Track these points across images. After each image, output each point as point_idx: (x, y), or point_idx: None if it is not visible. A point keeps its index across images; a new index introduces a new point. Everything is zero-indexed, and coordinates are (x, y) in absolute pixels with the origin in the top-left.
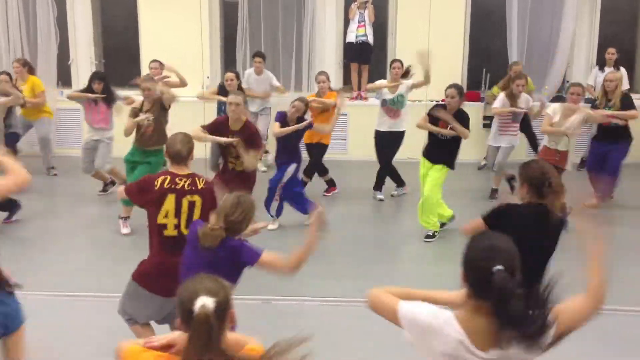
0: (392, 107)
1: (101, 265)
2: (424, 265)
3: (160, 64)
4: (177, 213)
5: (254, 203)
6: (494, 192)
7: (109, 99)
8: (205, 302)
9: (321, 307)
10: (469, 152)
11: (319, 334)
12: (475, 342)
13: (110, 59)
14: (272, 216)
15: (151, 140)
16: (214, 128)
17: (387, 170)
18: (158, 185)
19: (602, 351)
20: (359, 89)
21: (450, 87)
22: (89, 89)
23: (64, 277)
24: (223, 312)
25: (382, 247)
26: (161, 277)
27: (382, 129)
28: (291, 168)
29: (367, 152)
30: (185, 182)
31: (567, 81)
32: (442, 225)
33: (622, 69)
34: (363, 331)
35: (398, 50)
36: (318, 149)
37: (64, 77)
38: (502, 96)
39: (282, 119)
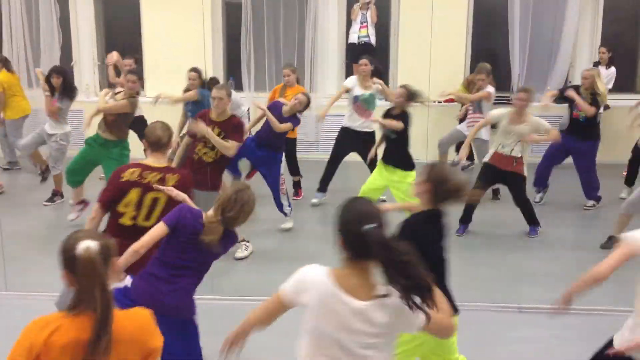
0: (363, 105)
1: None
2: None
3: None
4: (138, 206)
5: (253, 197)
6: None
7: (66, 95)
8: (89, 245)
9: None
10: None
11: None
12: (348, 293)
13: None
14: (286, 214)
15: (112, 126)
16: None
17: (333, 170)
18: (125, 177)
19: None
20: None
21: (402, 86)
22: (48, 82)
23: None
24: (107, 257)
25: None
26: None
27: (350, 125)
28: (281, 157)
29: None
30: (154, 177)
31: (570, 81)
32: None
33: (613, 68)
34: None
35: (400, 51)
36: (290, 145)
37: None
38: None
39: (278, 109)
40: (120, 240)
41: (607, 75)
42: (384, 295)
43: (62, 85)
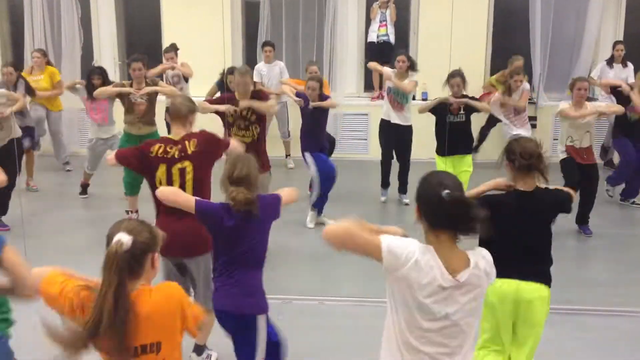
0: (396, 98)
1: None
2: None
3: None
4: (169, 182)
5: (251, 157)
6: None
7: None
8: (121, 238)
9: (341, 307)
10: (491, 150)
11: (339, 333)
12: (449, 270)
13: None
14: (320, 214)
15: (143, 120)
16: (219, 102)
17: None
18: (154, 153)
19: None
20: (380, 88)
21: (454, 75)
22: (89, 85)
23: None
24: (141, 253)
25: None
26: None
27: (387, 119)
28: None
29: None
30: (175, 149)
31: None
32: None
33: (630, 65)
34: (381, 331)
35: (420, 50)
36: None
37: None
38: (496, 95)
39: (302, 95)
40: (167, 218)
41: (626, 73)
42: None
43: (103, 85)
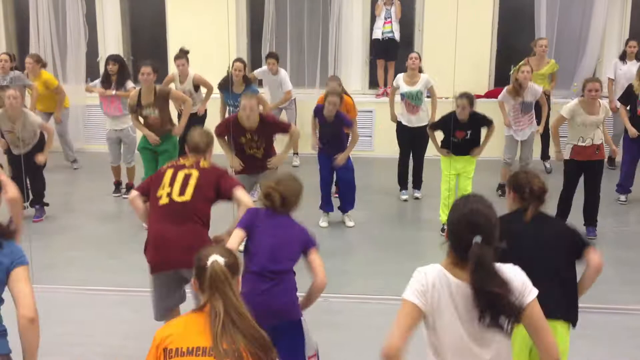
0: (410, 102)
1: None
2: None
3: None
4: (171, 183)
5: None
6: (501, 187)
7: (120, 82)
8: (217, 259)
9: (347, 304)
10: (495, 149)
11: (345, 330)
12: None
13: (139, 56)
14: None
15: (160, 130)
16: (226, 130)
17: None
18: (165, 167)
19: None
20: (385, 85)
21: (461, 96)
22: (105, 73)
23: (90, 271)
24: (233, 272)
25: (409, 244)
26: (160, 247)
27: (405, 123)
28: None
29: (393, 149)
30: (187, 161)
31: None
32: None
33: None
34: (389, 328)
35: (425, 47)
36: None
37: (92, 75)
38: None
39: (319, 113)
40: (163, 224)
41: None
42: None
43: (119, 71)
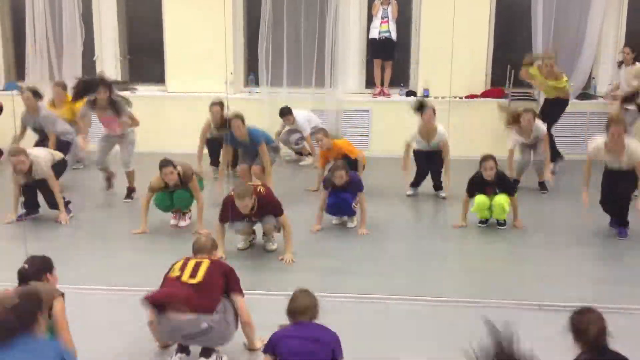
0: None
1: (140, 260)
2: (449, 262)
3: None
4: (182, 268)
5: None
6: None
7: (116, 110)
8: None
9: (342, 303)
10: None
11: (340, 330)
12: None
13: (135, 55)
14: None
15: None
16: (229, 217)
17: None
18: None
19: None
20: (382, 85)
21: (487, 159)
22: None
23: (108, 272)
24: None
25: (405, 244)
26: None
27: (419, 148)
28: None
29: (389, 148)
30: (199, 256)
31: (593, 78)
32: (486, 221)
33: (638, 64)
34: (383, 327)
35: (422, 47)
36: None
37: (88, 74)
38: (513, 133)
39: (328, 184)
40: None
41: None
42: None
43: (109, 99)
